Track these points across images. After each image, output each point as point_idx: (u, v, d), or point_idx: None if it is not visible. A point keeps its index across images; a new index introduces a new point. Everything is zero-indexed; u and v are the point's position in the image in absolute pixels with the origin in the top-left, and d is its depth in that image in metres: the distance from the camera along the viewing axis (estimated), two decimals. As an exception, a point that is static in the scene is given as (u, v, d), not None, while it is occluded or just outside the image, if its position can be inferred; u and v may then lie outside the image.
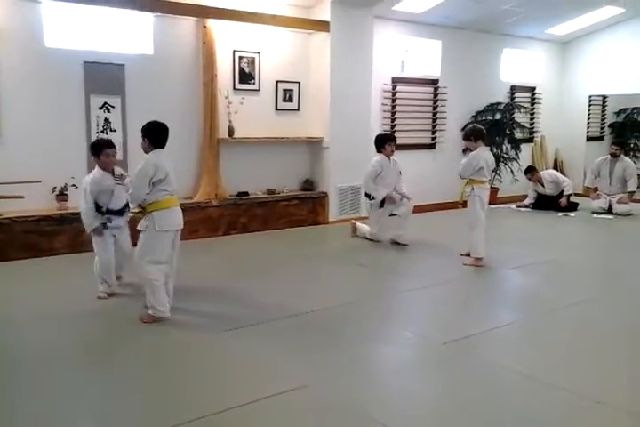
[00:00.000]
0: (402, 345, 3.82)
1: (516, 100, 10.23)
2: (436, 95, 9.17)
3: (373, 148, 6.77)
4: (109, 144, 4.57)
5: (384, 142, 6.61)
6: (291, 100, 7.73)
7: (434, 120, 9.22)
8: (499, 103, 9.80)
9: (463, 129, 9.33)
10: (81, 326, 3.98)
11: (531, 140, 10.71)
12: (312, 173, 8.03)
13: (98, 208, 4.50)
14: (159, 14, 6.55)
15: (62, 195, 6.09)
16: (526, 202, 9.54)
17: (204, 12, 6.74)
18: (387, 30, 8.39)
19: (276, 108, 7.64)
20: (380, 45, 8.29)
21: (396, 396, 3.07)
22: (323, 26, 7.54)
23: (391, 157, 6.63)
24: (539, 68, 10.70)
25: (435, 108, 9.20)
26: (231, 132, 7.09)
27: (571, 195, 9.14)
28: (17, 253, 5.70)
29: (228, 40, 7.09)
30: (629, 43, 10.03)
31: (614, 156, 9.16)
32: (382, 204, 6.58)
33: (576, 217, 8.71)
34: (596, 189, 9.32)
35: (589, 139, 10.94)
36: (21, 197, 5.19)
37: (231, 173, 7.20)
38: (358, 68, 7.84)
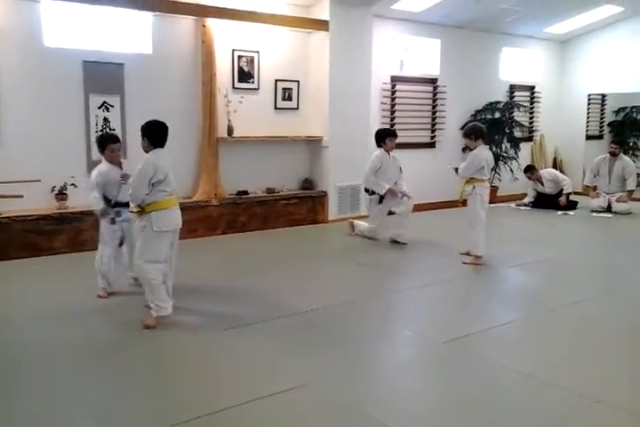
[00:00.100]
0: (402, 344, 3.82)
1: (515, 98, 10.23)
2: (435, 94, 9.17)
3: (373, 147, 6.77)
4: (114, 139, 4.60)
5: (384, 137, 6.58)
6: (290, 99, 7.73)
7: (433, 119, 9.22)
8: (498, 102, 9.80)
9: (463, 128, 9.35)
10: (81, 326, 3.97)
11: (530, 138, 10.71)
12: (311, 172, 8.03)
13: (107, 201, 4.52)
14: (158, 13, 6.55)
15: (62, 194, 6.08)
16: (526, 201, 9.55)
17: (203, 12, 6.73)
18: (386, 29, 8.39)
19: (276, 108, 7.64)
20: (380, 44, 8.29)
21: (395, 395, 3.07)
22: (322, 25, 7.53)
23: (391, 153, 6.62)
24: (538, 66, 10.69)
25: (434, 106, 9.20)
26: (230, 131, 7.09)
27: (570, 193, 9.15)
28: (16, 253, 5.70)
29: (228, 39, 7.09)
30: (628, 41, 10.03)
31: (613, 154, 9.17)
32: (381, 199, 6.56)
33: (575, 216, 8.72)
34: (595, 188, 9.32)
35: (589, 137, 10.94)
36: (21, 197, 5.18)
37: (230, 172, 7.20)
38: (357, 67, 7.84)
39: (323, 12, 7.55)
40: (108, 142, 4.54)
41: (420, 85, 9.01)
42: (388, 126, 8.52)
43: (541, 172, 9.47)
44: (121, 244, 4.70)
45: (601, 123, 11.17)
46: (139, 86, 6.49)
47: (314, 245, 6.75)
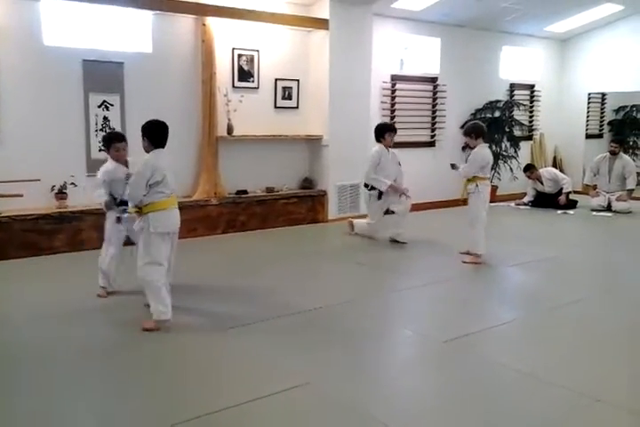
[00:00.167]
0: (402, 343, 3.83)
1: (515, 97, 10.23)
2: (435, 93, 9.16)
3: (373, 146, 6.76)
4: (119, 138, 4.58)
5: (384, 132, 6.55)
6: (290, 97, 7.72)
7: (433, 118, 9.22)
8: (498, 101, 9.80)
9: (463, 127, 9.34)
10: (80, 325, 3.97)
11: (530, 137, 10.70)
12: (311, 172, 8.02)
13: (113, 199, 4.51)
14: (158, 12, 6.54)
15: (61, 193, 6.08)
16: (525, 200, 9.55)
17: (203, 10, 6.72)
18: (386, 28, 8.38)
19: (275, 106, 7.63)
20: (380, 43, 8.28)
21: (396, 394, 3.07)
22: (322, 24, 7.53)
23: (390, 149, 6.60)
24: (538, 65, 10.69)
25: (434, 105, 9.19)
26: (230, 130, 7.08)
27: (570, 192, 9.15)
28: (16, 252, 5.69)
29: (227, 38, 7.08)
30: (629, 40, 10.03)
31: (613, 153, 9.18)
32: (380, 195, 6.54)
33: (575, 215, 8.72)
34: (595, 187, 9.33)
35: (588, 136, 10.93)
36: (20, 196, 5.18)
37: (230, 171, 7.19)
38: (357, 65, 7.83)
39: (323, 11, 7.55)
40: (113, 141, 4.53)
41: (420, 84, 9.01)
42: (387, 125, 8.54)
43: (541, 171, 9.47)
44: (126, 243, 4.67)
45: (601, 122, 11.17)
46: (138, 85, 6.49)
47: (313, 245, 6.75)
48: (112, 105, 6.37)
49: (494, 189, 9.35)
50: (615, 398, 2.95)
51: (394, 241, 6.60)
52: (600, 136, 11.08)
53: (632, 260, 6.04)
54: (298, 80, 7.75)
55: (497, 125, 9.41)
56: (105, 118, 6.35)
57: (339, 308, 4.36)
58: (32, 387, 3.06)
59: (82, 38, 6.21)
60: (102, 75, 6.26)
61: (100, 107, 6.31)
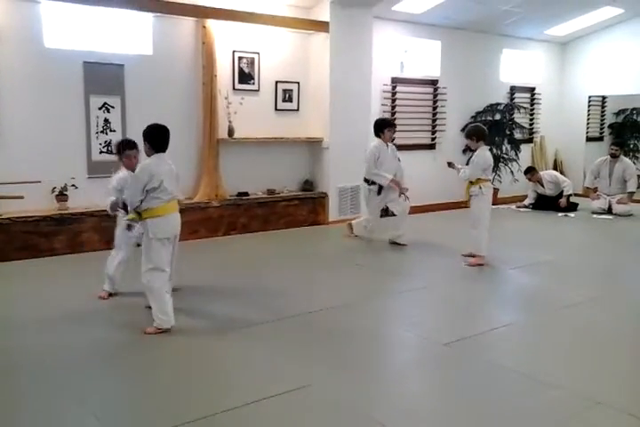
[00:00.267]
0: (403, 346, 3.82)
1: (515, 100, 10.23)
2: (435, 96, 9.17)
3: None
4: (131, 145, 4.50)
5: (383, 127, 6.52)
6: (290, 100, 7.73)
7: (433, 120, 9.22)
8: (498, 104, 9.80)
9: (463, 129, 9.34)
10: (81, 327, 3.97)
11: (530, 140, 10.70)
12: (312, 174, 8.03)
13: (124, 207, 4.49)
14: (159, 14, 6.55)
15: (62, 195, 6.08)
16: (526, 202, 9.54)
17: (203, 13, 6.74)
18: (386, 31, 8.39)
19: (276, 109, 7.64)
20: (380, 46, 8.29)
21: (397, 396, 3.07)
22: (322, 26, 7.54)
23: (389, 144, 6.58)
24: (538, 68, 10.70)
25: (434, 108, 9.20)
26: (231, 132, 7.09)
27: (570, 195, 9.14)
28: (16, 254, 5.69)
29: (228, 40, 7.09)
30: (629, 43, 10.04)
31: (614, 156, 9.18)
32: (380, 191, 6.51)
33: (576, 217, 8.71)
34: (595, 190, 9.32)
35: (589, 139, 10.94)
36: (21, 198, 5.17)
37: (231, 173, 7.20)
38: (358, 68, 7.83)
39: (323, 14, 7.56)
40: (124, 149, 4.47)
41: (421, 87, 9.02)
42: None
43: (542, 173, 9.47)
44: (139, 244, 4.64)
45: (601, 125, 11.17)
46: (139, 87, 6.49)
47: (314, 247, 6.75)
48: (113, 107, 6.38)
49: (495, 191, 9.34)
50: (615, 401, 2.95)
51: (393, 243, 6.59)
52: (600, 139, 11.08)
53: (632, 263, 6.04)
54: (298, 82, 7.75)
55: (497, 128, 9.42)
56: (106, 120, 6.36)
57: (339, 310, 4.36)
58: (33, 388, 3.05)
59: (82, 40, 6.22)
60: (103, 77, 6.27)
61: (100, 109, 6.32)
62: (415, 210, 8.15)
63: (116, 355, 3.53)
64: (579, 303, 4.57)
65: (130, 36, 6.51)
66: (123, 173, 4.52)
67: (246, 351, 3.58)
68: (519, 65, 10.39)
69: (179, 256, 4.26)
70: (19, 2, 5.80)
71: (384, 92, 8.54)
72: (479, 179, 5.68)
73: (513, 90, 10.24)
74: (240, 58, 7.22)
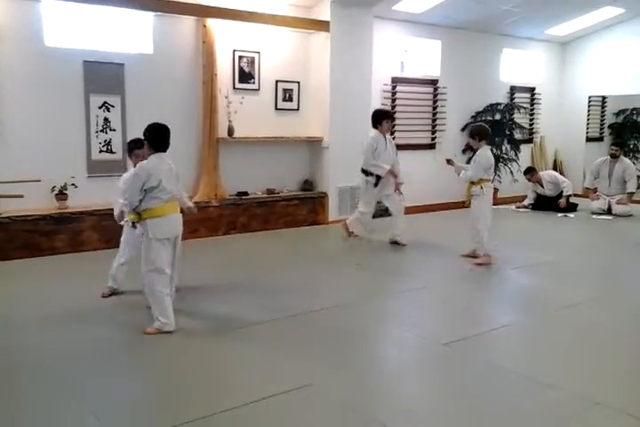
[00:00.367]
0: (403, 346, 3.82)
1: (515, 100, 10.23)
2: (435, 95, 9.17)
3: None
4: (140, 144, 4.43)
5: (382, 119, 6.50)
6: (290, 99, 7.73)
7: (433, 120, 9.22)
8: (498, 104, 9.80)
9: (463, 129, 9.37)
10: (81, 326, 3.97)
11: (530, 140, 10.70)
12: (312, 173, 8.03)
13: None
14: (159, 13, 6.55)
15: (62, 194, 6.08)
16: (526, 203, 9.55)
17: (203, 12, 6.74)
18: (386, 30, 8.39)
19: (276, 108, 7.64)
20: (380, 45, 8.29)
21: (396, 395, 3.08)
22: (323, 26, 7.54)
23: (387, 135, 6.57)
24: (538, 68, 10.70)
25: (434, 108, 9.20)
26: (231, 131, 7.09)
27: (570, 196, 9.14)
28: (16, 253, 5.69)
29: (228, 40, 7.09)
30: (629, 43, 10.03)
31: (614, 157, 9.18)
32: (377, 183, 6.49)
33: (575, 218, 8.71)
34: (595, 190, 9.33)
35: (589, 140, 10.94)
36: (21, 197, 5.18)
37: (231, 172, 7.19)
38: (358, 68, 7.83)
39: (323, 13, 7.56)
40: (134, 148, 4.45)
41: (421, 87, 9.02)
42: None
43: (541, 174, 9.47)
44: None
45: (601, 125, 11.17)
46: (139, 86, 6.49)
47: (314, 246, 6.75)
48: (113, 106, 6.38)
49: (495, 191, 9.33)
50: (614, 401, 2.95)
51: (394, 243, 6.59)
52: (600, 139, 11.08)
53: (632, 263, 6.04)
54: (298, 82, 7.75)
55: (497, 128, 9.40)
56: (106, 119, 6.35)
57: (339, 310, 4.36)
58: (33, 388, 3.06)
59: (83, 39, 6.22)
60: (103, 76, 6.27)
61: (100, 108, 6.31)
62: (415, 210, 8.16)
63: (116, 354, 3.53)
64: (578, 304, 4.58)
65: (130, 35, 6.50)
66: (130, 172, 4.51)
67: (246, 351, 3.58)
68: (519, 65, 10.39)
69: (180, 258, 4.25)
70: (19, 1, 5.79)
71: (384, 91, 8.54)
72: (481, 179, 5.69)
73: (513, 90, 10.24)
74: (240, 57, 7.22)
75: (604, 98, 10.99)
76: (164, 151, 3.96)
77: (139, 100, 6.46)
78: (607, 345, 3.75)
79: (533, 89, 10.65)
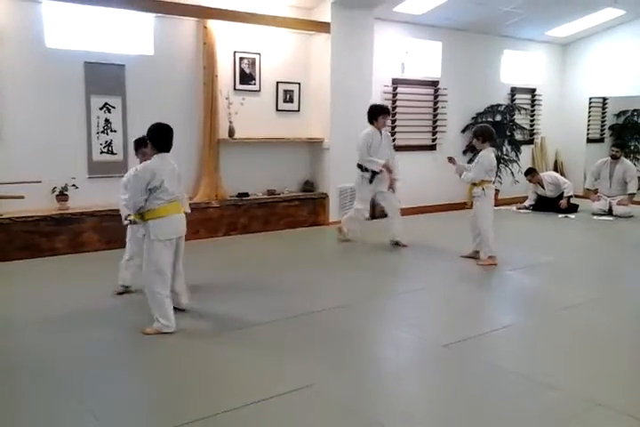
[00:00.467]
0: (402, 347, 3.82)
1: (516, 101, 10.23)
2: (436, 97, 9.17)
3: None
4: (146, 143, 4.49)
5: (378, 114, 6.46)
6: (291, 100, 7.74)
7: (434, 121, 9.22)
8: (499, 105, 9.80)
9: (464, 131, 9.38)
10: (81, 327, 3.96)
11: (531, 141, 10.70)
12: (312, 174, 8.03)
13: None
14: (160, 15, 6.55)
15: (62, 195, 6.08)
16: (526, 204, 9.54)
17: (204, 13, 6.74)
18: (387, 32, 8.39)
19: (277, 109, 7.64)
20: (381, 47, 8.29)
21: (396, 396, 3.08)
22: (323, 27, 7.54)
23: (383, 131, 6.55)
24: (539, 69, 10.70)
25: (435, 109, 9.20)
26: (231, 132, 7.09)
27: (571, 197, 9.13)
28: (17, 253, 5.69)
29: (229, 41, 7.09)
30: (630, 45, 10.03)
31: (614, 158, 9.18)
32: (372, 179, 6.46)
33: (576, 219, 8.71)
34: (596, 191, 9.32)
35: (589, 141, 10.93)
36: (22, 197, 5.18)
37: (231, 173, 7.20)
38: (359, 69, 7.84)
39: (324, 15, 7.57)
40: (140, 146, 4.46)
41: (422, 88, 9.02)
42: (389, 128, 8.53)
43: (542, 175, 9.46)
44: None
45: (602, 126, 11.18)
46: (140, 87, 6.50)
47: (314, 247, 6.75)
48: (114, 107, 6.38)
49: (495, 192, 9.33)
50: (615, 402, 2.94)
51: (395, 244, 6.59)
52: (601, 140, 11.08)
53: (633, 264, 6.04)
54: (299, 83, 7.76)
55: (498, 129, 9.33)
56: (106, 121, 6.36)
57: (340, 311, 4.36)
58: (33, 388, 3.06)
59: (84, 40, 6.23)
60: (104, 77, 6.28)
61: (101, 109, 6.32)
62: (415, 211, 8.16)
63: (116, 355, 3.54)
64: (579, 305, 4.57)
65: (131, 37, 6.51)
66: (134, 169, 4.51)
67: (247, 352, 3.58)
68: (520, 66, 10.38)
69: (183, 260, 4.23)
70: (20, 2, 5.80)
71: (385, 92, 8.54)
72: (482, 180, 5.68)
73: (514, 91, 10.23)
74: (241, 58, 7.23)
75: (604, 99, 10.99)
76: (168, 151, 3.95)
77: (139, 102, 6.47)
78: (608, 346, 3.75)
79: (534, 90, 10.65)
